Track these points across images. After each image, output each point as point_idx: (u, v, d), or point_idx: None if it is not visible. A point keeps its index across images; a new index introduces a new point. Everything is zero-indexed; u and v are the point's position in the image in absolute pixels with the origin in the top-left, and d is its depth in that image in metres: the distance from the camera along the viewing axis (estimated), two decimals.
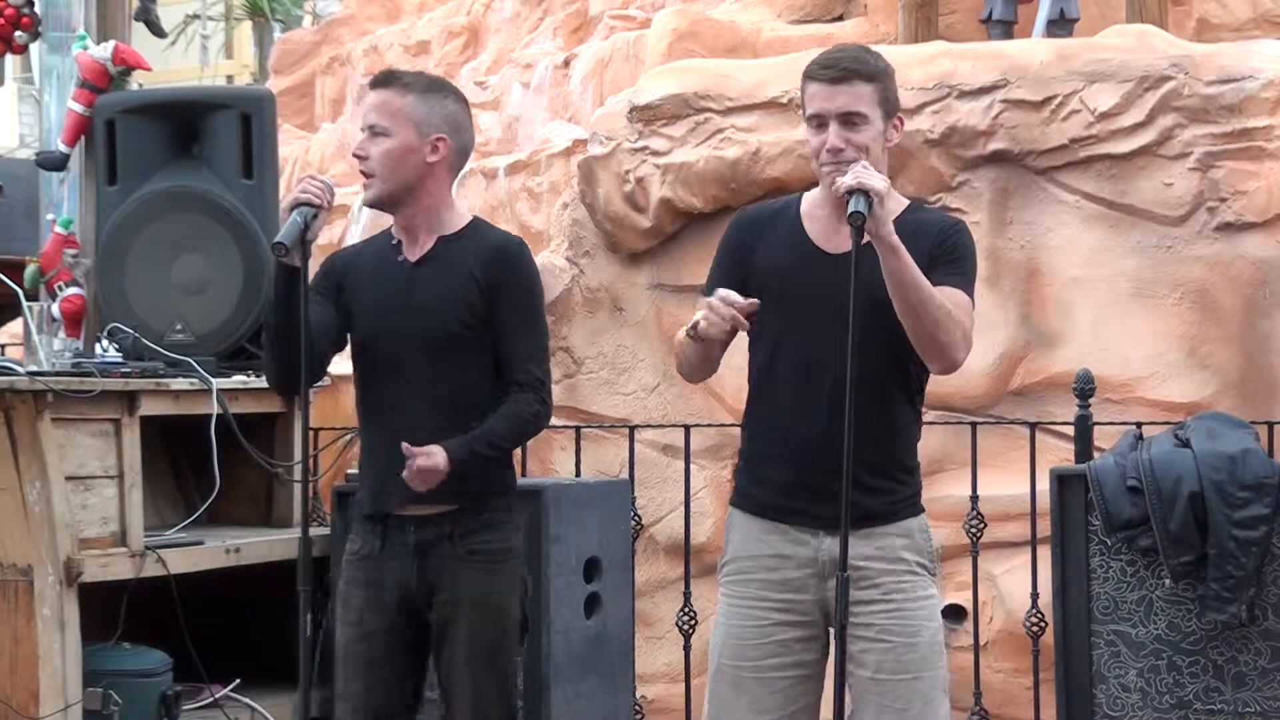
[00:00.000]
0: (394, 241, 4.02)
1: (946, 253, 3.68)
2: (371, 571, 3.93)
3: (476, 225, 4.06)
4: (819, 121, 3.68)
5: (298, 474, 5.41)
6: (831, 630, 3.68)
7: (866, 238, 3.49)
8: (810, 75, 3.71)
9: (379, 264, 3.98)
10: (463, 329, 3.91)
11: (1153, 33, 7.03)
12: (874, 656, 3.65)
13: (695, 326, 3.57)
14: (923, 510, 3.78)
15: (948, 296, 3.60)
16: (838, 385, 3.52)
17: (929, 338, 3.58)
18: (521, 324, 3.97)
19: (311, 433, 5.56)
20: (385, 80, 4.01)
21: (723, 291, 3.56)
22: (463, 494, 3.89)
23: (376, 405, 3.95)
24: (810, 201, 3.79)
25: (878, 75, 3.68)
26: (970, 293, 3.70)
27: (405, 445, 3.77)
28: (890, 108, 3.70)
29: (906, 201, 3.79)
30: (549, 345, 4.11)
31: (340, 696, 3.98)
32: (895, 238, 3.51)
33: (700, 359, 3.70)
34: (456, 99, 4.07)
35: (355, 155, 3.97)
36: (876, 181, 3.50)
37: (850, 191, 3.49)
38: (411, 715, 3.99)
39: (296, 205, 3.77)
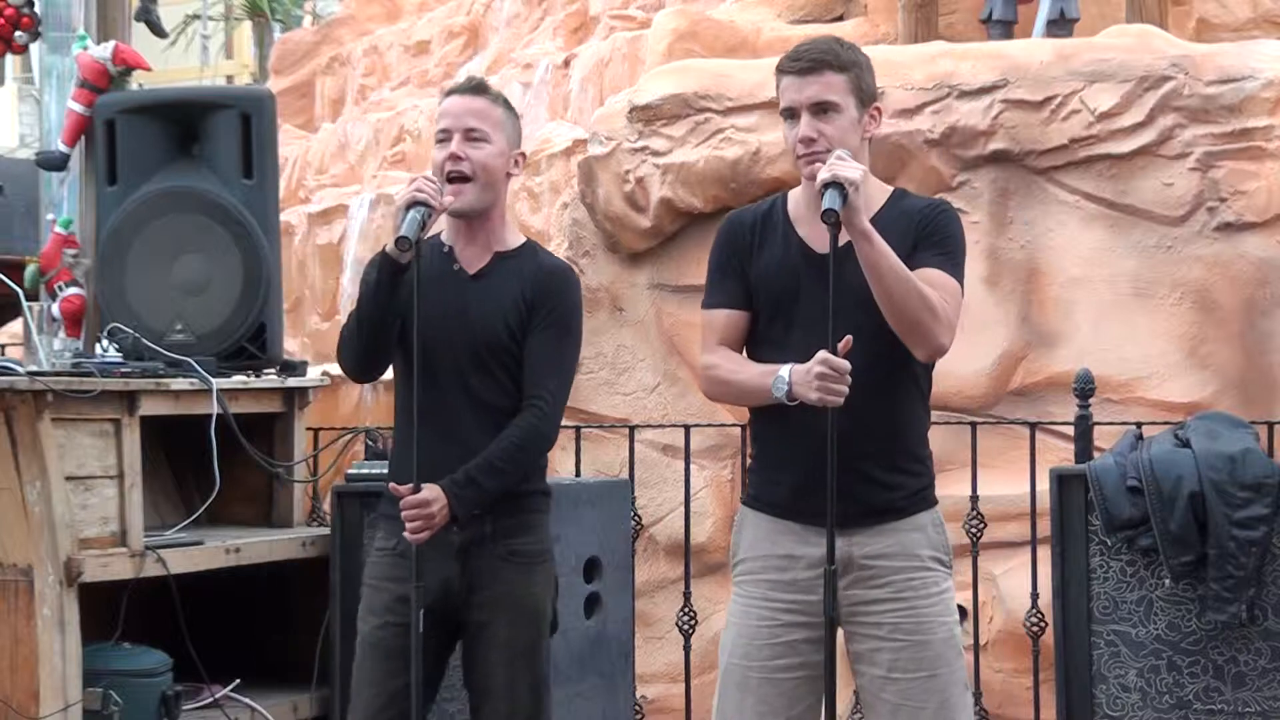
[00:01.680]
0: (445, 249, 4.03)
1: (929, 234, 3.67)
2: (408, 570, 3.91)
3: (532, 246, 4.13)
4: (791, 113, 3.70)
5: (298, 474, 5.41)
6: (841, 630, 3.69)
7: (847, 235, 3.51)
8: (781, 69, 3.73)
9: (435, 270, 3.97)
10: (510, 342, 3.98)
11: (1153, 33, 7.03)
12: (887, 655, 3.64)
13: (786, 389, 3.57)
14: (936, 503, 3.76)
15: (930, 279, 3.59)
16: None
17: (909, 325, 3.57)
18: (551, 344, 4.01)
19: (310, 433, 5.58)
20: (478, 89, 4.05)
21: (827, 357, 3.50)
22: (503, 495, 3.93)
23: (416, 407, 3.90)
24: (795, 201, 3.79)
25: (849, 65, 3.68)
26: (956, 274, 3.67)
27: (393, 486, 3.85)
28: (865, 97, 3.69)
29: (890, 189, 3.79)
30: (574, 371, 4.15)
31: (363, 684, 3.96)
32: (868, 225, 3.52)
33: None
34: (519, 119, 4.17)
35: (454, 155, 3.92)
36: (850, 171, 3.50)
37: (825, 186, 3.50)
38: (424, 713, 3.99)
39: (413, 204, 3.79)
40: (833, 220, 3.47)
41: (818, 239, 3.69)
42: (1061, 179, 6.65)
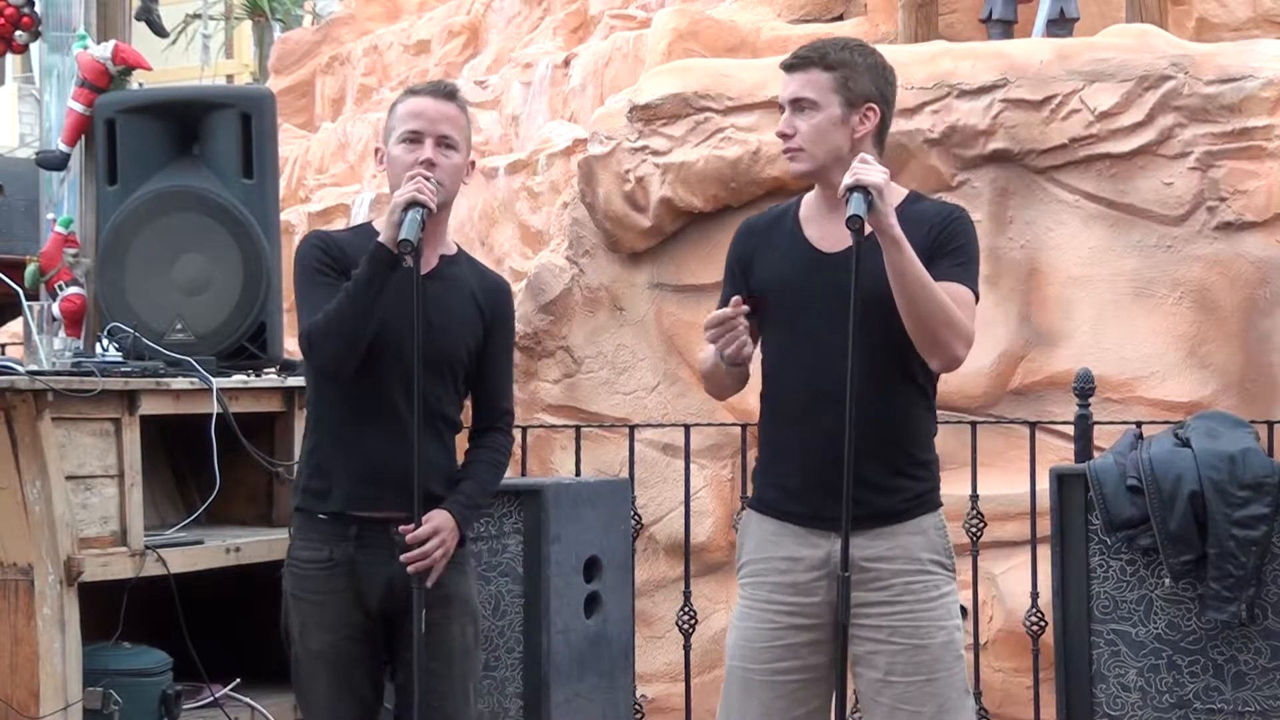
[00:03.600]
0: None
1: (946, 243, 3.67)
2: (347, 577, 3.94)
3: (465, 253, 4.16)
4: (781, 110, 3.76)
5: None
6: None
7: (869, 230, 3.51)
8: (779, 66, 3.79)
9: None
10: (465, 353, 4.01)
11: (1153, 32, 7.03)
12: (884, 658, 3.65)
13: (719, 353, 3.63)
14: (940, 506, 3.76)
15: (949, 292, 3.59)
16: (843, 385, 3.52)
17: (929, 334, 3.58)
18: (507, 359, 4.14)
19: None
20: (450, 93, 4.01)
21: (714, 315, 3.59)
22: (435, 500, 3.95)
23: (361, 407, 3.93)
24: (808, 204, 3.80)
25: (837, 65, 3.69)
26: (973, 285, 3.68)
27: (404, 529, 3.85)
28: (854, 97, 3.69)
29: (905, 192, 3.78)
30: None
31: (330, 701, 3.98)
32: (898, 230, 3.52)
33: (735, 378, 3.75)
34: None
35: (429, 162, 3.88)
36: (874, 176, 3.50)
37: (850, 190, 3.50)
38: (375, 716, 4.02)
39: (412, 204, 3.77)
40: (857, 226, 3.47)
41: (825, 239, 3.71)
42: (1061, 178, 6.65)
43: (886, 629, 3.65)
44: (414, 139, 3.93)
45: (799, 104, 3.70)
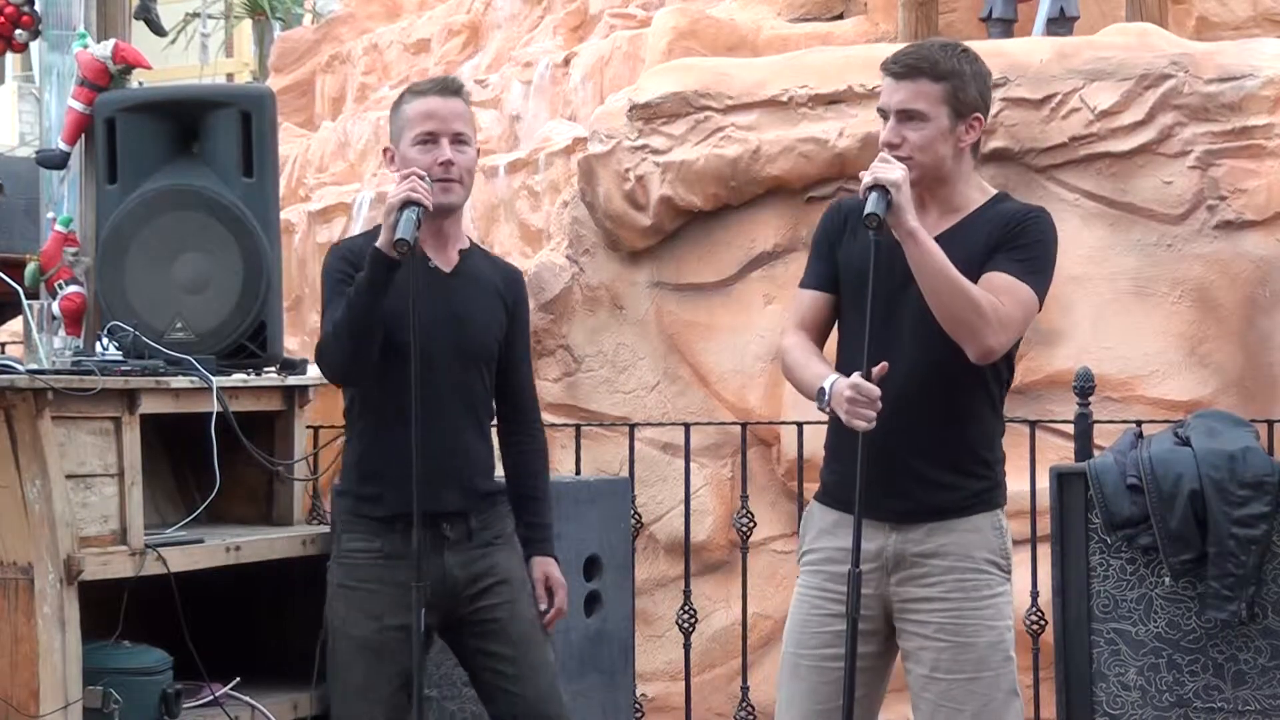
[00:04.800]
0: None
1: (1010, 238, 3.67)
2: (397, 569, 3.98)
3: (477, 246, 4.24)
4: (883, 115, 3.71)
5: (298, 472, 5.40)
6: (895, 627, 3.71)
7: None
8: (882, 67, 3.74)
9: (408, 266, 3.98)
10: (495, 344, 4.09)
11: (1153, 31, 7.04)
12: (930, 655, 3.67)
13: (826, 402, 3.63)
14: (1000, 505, 3.75)
15: (994, 282, 3.60)
16: (903, 377, 3.55)
17: (955, 323, 3.58)
18: (528, 350, 4.24)
19: (311, 431, 5.58)
20: (456, 89, 4.09)
21: (858, 383, 3.54)
22: (478, 493, 4.05)
23: (400, 408, 3.94)
24: None
25: (946, 75, 3.66)
26: (1030, 279, 3.67)
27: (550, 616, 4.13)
28: (962, 108, 3.67)
29: (993, 192, 3.79)
30: None
31: (367, 689, 4.03)
32: (914, 224, 3.53)
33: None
34: None
35: (449, 161, 3.97)
36: (891, 174, 3.52)
37: (868, 190, 3.52)
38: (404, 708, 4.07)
39: (407, 204, 3.80)
40: (874, 225, 3.50)
41: None
42: (1061, 177, 6.65)
43: (933, 625, 3.67)
44: (430, 140, 3.99)
45: (907, 115, 3.66)
